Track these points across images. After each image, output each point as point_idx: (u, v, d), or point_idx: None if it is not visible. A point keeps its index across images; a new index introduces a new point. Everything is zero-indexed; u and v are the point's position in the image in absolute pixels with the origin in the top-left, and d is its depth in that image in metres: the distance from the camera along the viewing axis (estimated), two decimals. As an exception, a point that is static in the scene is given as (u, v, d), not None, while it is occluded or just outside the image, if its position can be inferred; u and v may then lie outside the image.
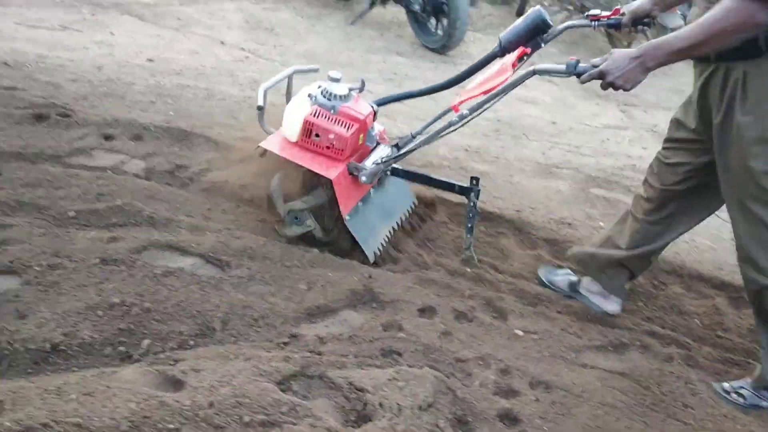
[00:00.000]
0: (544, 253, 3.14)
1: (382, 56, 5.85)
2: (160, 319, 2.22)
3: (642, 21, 2.33)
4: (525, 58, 2.38)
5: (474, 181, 2.64)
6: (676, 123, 2.27)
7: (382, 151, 2.72)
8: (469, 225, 2.70)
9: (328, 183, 2.50)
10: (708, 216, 2.36)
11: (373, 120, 2.70)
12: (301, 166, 2.54)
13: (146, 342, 2.14)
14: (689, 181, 2.25)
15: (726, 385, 2.32)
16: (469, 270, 2.78)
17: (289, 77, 2.77)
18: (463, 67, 2.81)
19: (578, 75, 1.95)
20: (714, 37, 1.70)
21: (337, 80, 2.57)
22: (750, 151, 1.89)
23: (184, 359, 2.06)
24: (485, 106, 2.35)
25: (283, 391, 1.94)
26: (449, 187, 2.73)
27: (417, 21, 6.20)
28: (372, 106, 2.67)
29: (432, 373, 2.08)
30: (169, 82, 4.41)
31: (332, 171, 2.48)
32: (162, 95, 4.14)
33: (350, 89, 2.60)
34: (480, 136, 4.50)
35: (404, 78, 5.36)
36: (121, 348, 2.11)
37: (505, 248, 3.13)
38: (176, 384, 1.92)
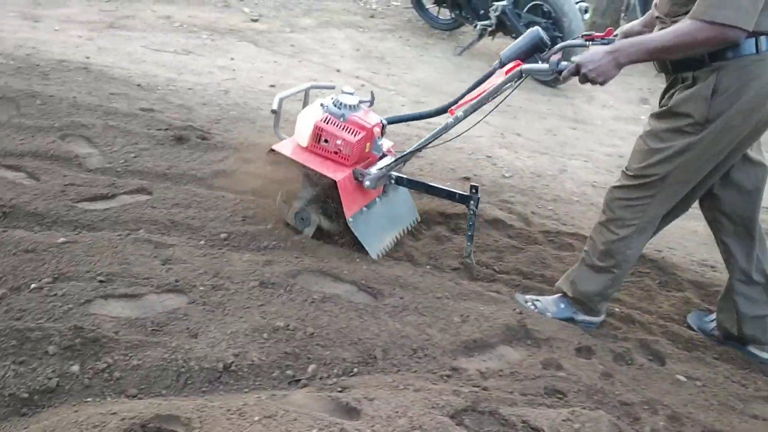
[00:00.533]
0: (691, 295, 3.03)
1: (491, 87, 5.86)
2: (324, 344, 2.26)
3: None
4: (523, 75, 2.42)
5: (473, 190, 2.74)
6: None
7: (387, 161, 2.83)
8: (469, 233, 2.79)
9: (332, 183, 2.64)
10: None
11: (382, 133, 2.84)
12: (305, 172, 2.73)
13: (312, 367, 2.18)
14: None
15: None
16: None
17: (306, 91, 2.95)
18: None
19: (560, 72, 2.14)
20: (685, 45, 1.94)
21: (350, 94, 2.74)
22: (662, 136, 2.20)
23: (353, 386, 2.08)
24: (476, 107, 2.52)
25: (457, 425, 1.92)
26: (450, 195, 2.83)
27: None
28: (381, 120, 2.82)
29: (606, 417, 2.03)
30: (294, 108, 4.54)
31: (338, 174, 2.63)
32: (290, 121, 4.26)
33: (360, 101, 2.77)
34: (604, 172, 4.43)
35: (518, 111, 5.35)
36: (289, 371, 2.15)
37: (651, 289, 3.04)
38: (351, 412, 1.94)
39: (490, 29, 6.28)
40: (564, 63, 2.16)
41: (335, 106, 2.71)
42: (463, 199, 2.78)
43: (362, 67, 5.79)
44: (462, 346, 2.39)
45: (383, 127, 2.85)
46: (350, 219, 2.68)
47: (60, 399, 1.86)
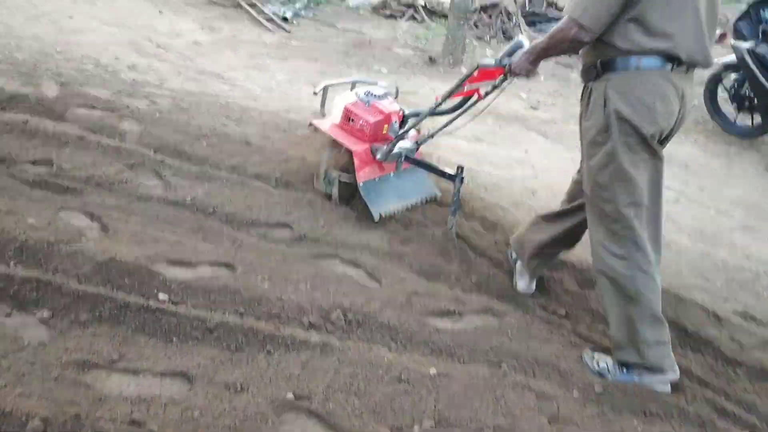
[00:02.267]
0: None
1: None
2: None
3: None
4: (505, 77, 2.82)
5: (459, 170, 3.32)
6: None
7: (403, 143, 3.41)
8: (454, 207, 3.37)
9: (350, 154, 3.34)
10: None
11: (400, 120, 3.44)
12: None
13: None
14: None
15: None
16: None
17: (352, 84, 3.77)
18: None
19: (503, 66, 2.70)
20: (554, 44, 2.41)
21: (380, 86, 3.57)
22: (588, 152, 2.49)
23: None
24: (446, 96, 3.09)
25: None
26: (440, 173, 3.47)
27: None
28: (402, 109, 3.48)
29: None
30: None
31: (356, 146, 3.33)
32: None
33: (386, 93, 3.53)
34: None
35: None
36: None
37: None
38: None
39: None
40: (506, 60, 2.70)
41: (365, 94, 3.44)
42: (450, 177, 3.37)
43: (669, 174, 5.22)
44: None
45: (404, 116, 3.46)
46: (361, 184, 3.32)
47: None
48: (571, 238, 3.00)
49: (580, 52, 2.51)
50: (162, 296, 2.60)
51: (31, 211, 2.98)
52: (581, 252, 3.55)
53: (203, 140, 4.09)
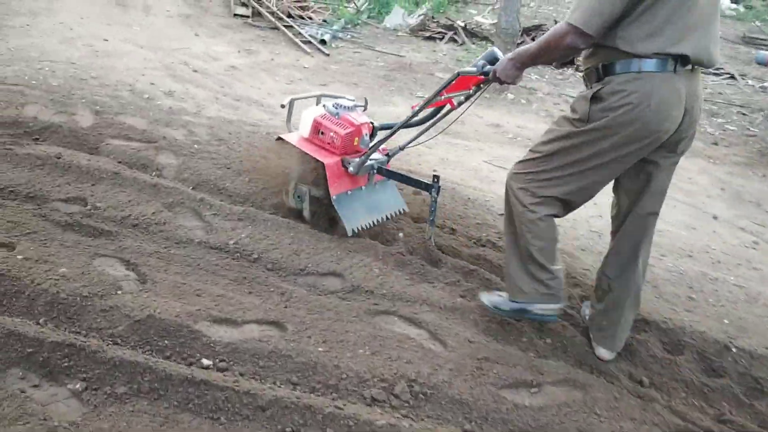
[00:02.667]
0: None
1: None
2: None
3: (568, 62, 2.67)
4: (482, 86, 2.81)
5: (435, 179, 3.23)
6: None
7: (374, 155, 3.35)
8: (431, 218, 3.28)
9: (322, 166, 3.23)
10: None
11: (371, 133, 3.41)
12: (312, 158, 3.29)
13: None
14: None
15: None
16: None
17: (318, 97, 3.69)
18: None
19: (485, 74, 2.67)
20: (546, 49, 2.38)
21: (348, 99, 3.44)
22: (552, 126, 2.62)
23: None
24: (424, 105, 3.02)
25: None
26: (417, 184, 3.37)
27: None
28: (371, 122, 3.42)
29: None
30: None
31: (327, 159, 3.24)
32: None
33: (355, 105, 3.43)
34: None
35: None
36: None
37: None
38: None
39: None
40: (489, 67, 2.63)
41: (333, 106, 3.37)
42: (427, 187, 3.27)
43: (741, 214, 4.90)
44: None
45: (373, 128, 3.43)
46: (334, 197, 3.23)
47: None
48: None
49: (582, 57, 2.51)
50: (206, 362, 2.34)
51: (63, 258, 2.76)
52: (666, 309, 3.23)
53: (244, 175, 3.85)
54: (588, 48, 2.38)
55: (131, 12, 8.25)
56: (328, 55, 7.72)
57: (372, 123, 3.43)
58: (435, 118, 3.18)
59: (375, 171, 3.40)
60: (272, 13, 8.90)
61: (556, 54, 2.38)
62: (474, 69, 2.70)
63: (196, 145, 4.24)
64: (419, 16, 10.45)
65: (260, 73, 6.52)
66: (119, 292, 2.61)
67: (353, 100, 3.46)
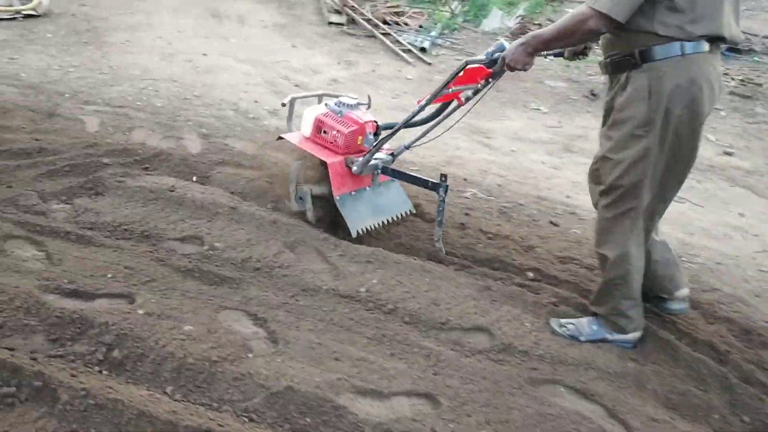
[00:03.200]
0: None
1: None
2: None
3: (579, 53, 2.86)
4: (490, 80, 2.72)
5: (443, 178, 3.13)
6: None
7: (378, 155, 3.28)
8: (439, 219, 3.20)
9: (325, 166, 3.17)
10: None
11: (375, 131, 3.31)
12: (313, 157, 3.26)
13: None
14: None
15: None
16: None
17: (319, 97, 3.63)
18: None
19: (494, 62, 2.61)
20: (564, 34, 2.32)
21: (351, 97, 3.38)
22: (621, 144, 2.44)
23: None
24: (431, 98, 2.90)
25: None
26: (423, 183, 3.25)
27: None
28: (375, 121, 3.32)
29: None
30: None
31: (330, 158, 3.18)
32: None
33: (358, 103, 3.36)
34: None
35: None
36: None
37: None
38: None
39: None
40: (497, 54, 2.59)
41: (336, 104, 3.29)
42: (434, 187, 3.15)
43: None
44: None
45: (378, 126, 3.30)
46: (337, 198, 3.14)
47: None
48: None
49: (601, 43, 2.48)
50: (356, 447, 2.03)
51: (187, 312, 2.53)
52: None
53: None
54: (609, 33, 2.35)
55: (226, 23, 8.16)
56: (429, 64, 7.38)
57: (376, 122, 3.35)
58: (441, 115, 3.08)
59: (379, 171, 3.32)
60: (368, 21, 8.64)
61: (574, 39, 2.35)
62: (482, 58, 2.65)
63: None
64: (517, 17, 9.97)
65: (363, 86, 6.24)
66: (250, 355, 2.35)
67: (356, 98, 3.39)
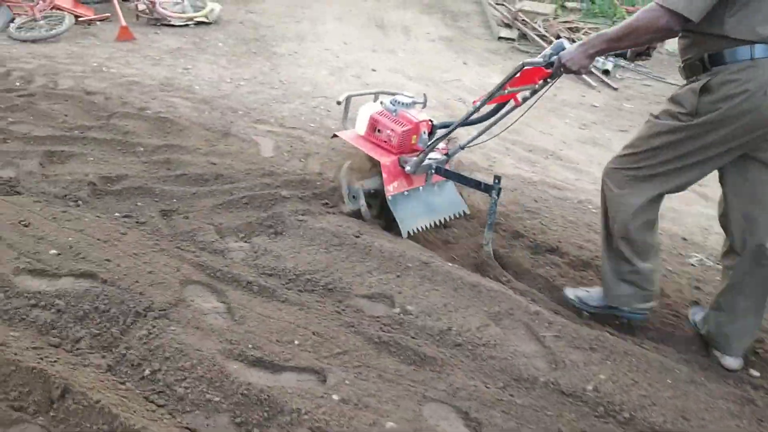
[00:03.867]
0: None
1: None
2: None
3: (643, 53, 2.76)
4: (549, 80, 2.71)
5: (496, 179, 3.03)
6: None
7: (432, 154, 3.27)
8: (490, 222, 3.05)
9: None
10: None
11: (430, 130, 3.28)
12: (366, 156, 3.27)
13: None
14: None
15: None
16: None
17: (376, 95, 3.64)
18: None
19: (551, 65, 2.53)
20: (632, 33, 2.26)
21: (407, 96, 3.35)
22: (653, 117, 2.50)
23: None
24: (488, 98, 2.85)
25: None
26: (476, 185, 3.16)
27: None
28: (431, 120, 3.30)
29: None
30: None
31: (384, 158, 3.18)
32: None
33: (414, 101, 3.34)
34: None
35: None
36: None
37: None
38: None
39: None
40: (555, 56, 2.51)
41: (391, 103, 3.31)
42: (487, 188, 3.07)
43: None
44: None
45: (433, 126, 3.29)
46: (389, 198, 3.15)
47: None
48: None
49: (679, 48, 2.40)
50: None
51: (386, 401, 2.18)
52: None
53: (587, 270, 3.06)
54: (679, 35, 2.31)
55: (392, 35, 7.91)
56: (615, 89, 6.72)
57: (431, 121, 3.32)
58: (498, 115, 3.04)
59: (433, 171, 3.28)
60: (541, 37, 8.10)
61: (643, 38, 2.28)
62: (540, 60, 2.58)
63: (502, 219, 3.54)
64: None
65: (546, 113, 5.72)
66: (467, 473, 1.92)
67: (412, 97, 3.36)
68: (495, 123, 3.07)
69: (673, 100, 2.41)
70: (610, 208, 2.61)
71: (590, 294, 2.85)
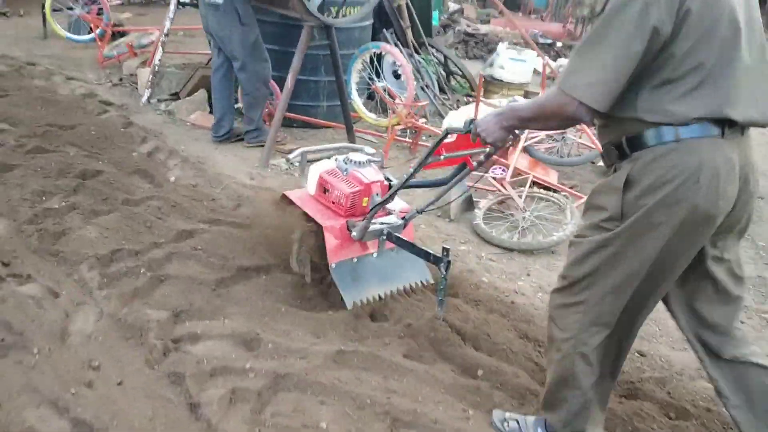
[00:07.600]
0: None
1: None
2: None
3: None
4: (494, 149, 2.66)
5: (445, 252, 2.98)
6: None
7: (388, 219, 3.21)
8: (440, 298, 3.01)
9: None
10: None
11: (386, 191, 3.16)
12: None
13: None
14: None
15: None
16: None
17: (336, 150, 3.66)
18: None
19: (469, 132, 2.38)
20: (540, 116, 2.13)
21: (365, 153, 3.36)
22: (580, 231, 2.26)
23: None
24: (419, 165, 2.82)
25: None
26: (425, 255, 3.10)
27: None
28: (385, 179, 3.24)
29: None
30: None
31: (328, 221, 3.11)
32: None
33: (369, 160, 3.27)
34: None
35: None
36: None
37: None
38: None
39: None
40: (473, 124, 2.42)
41: (343, 161, 3.23)
42: (436, 260, 3.01)
43: None
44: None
45: (389, 187, 3.16)
46: (332, 266, 3.06)
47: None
48: None
49: (596, 128, 2.27)
50: None
51: None
52: None
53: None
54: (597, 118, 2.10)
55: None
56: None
57: (389, 181, 3.26)
58: (455, 180, 2.89)
59: (384, 237, 3.18)
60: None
61: (552, 124, 2.29)
62: (460, 127, 2.45)
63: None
64: None
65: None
66: None
67: (372, 154, 3.34)
68: (452, 187, 2.95)
69: (592, 206, 2.17)
70: (557, 358, 2.28)
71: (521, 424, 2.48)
